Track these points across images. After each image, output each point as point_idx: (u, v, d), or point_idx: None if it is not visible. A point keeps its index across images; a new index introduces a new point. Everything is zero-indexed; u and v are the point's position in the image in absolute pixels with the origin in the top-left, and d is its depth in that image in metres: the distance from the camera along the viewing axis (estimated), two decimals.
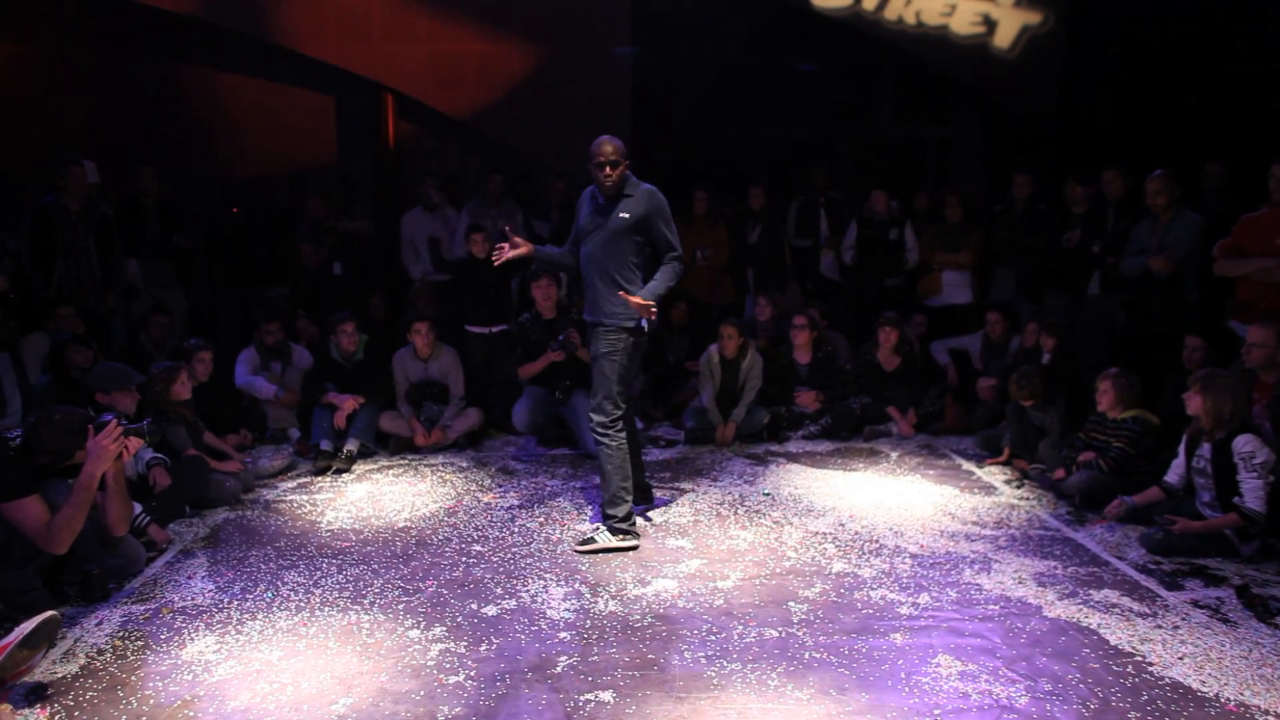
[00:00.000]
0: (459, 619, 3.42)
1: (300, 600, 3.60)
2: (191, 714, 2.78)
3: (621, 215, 4.04)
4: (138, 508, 4.16)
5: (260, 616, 3.45)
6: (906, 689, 2.90)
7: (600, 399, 4.15)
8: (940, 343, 6.92)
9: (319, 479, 5.30)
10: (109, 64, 8.20)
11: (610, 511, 4.13)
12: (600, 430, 4.16)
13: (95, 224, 5.89)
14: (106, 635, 3.29)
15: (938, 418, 6.39)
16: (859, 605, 3.52)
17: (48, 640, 2.95)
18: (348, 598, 3.62)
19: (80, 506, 3.28)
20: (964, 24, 8.34)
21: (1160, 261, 5.38)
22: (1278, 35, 6.79)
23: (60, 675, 3.01)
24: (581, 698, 2.86)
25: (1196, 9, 7.29)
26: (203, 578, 3.84)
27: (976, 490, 5.04)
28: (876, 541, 4.22)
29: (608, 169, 4.04)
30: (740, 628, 3.33)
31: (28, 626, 2.87)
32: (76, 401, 4.38)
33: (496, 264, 4.20)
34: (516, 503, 4.83)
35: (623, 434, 4.19)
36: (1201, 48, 7.28)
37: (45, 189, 5.88)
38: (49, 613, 2.94)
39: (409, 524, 4.51)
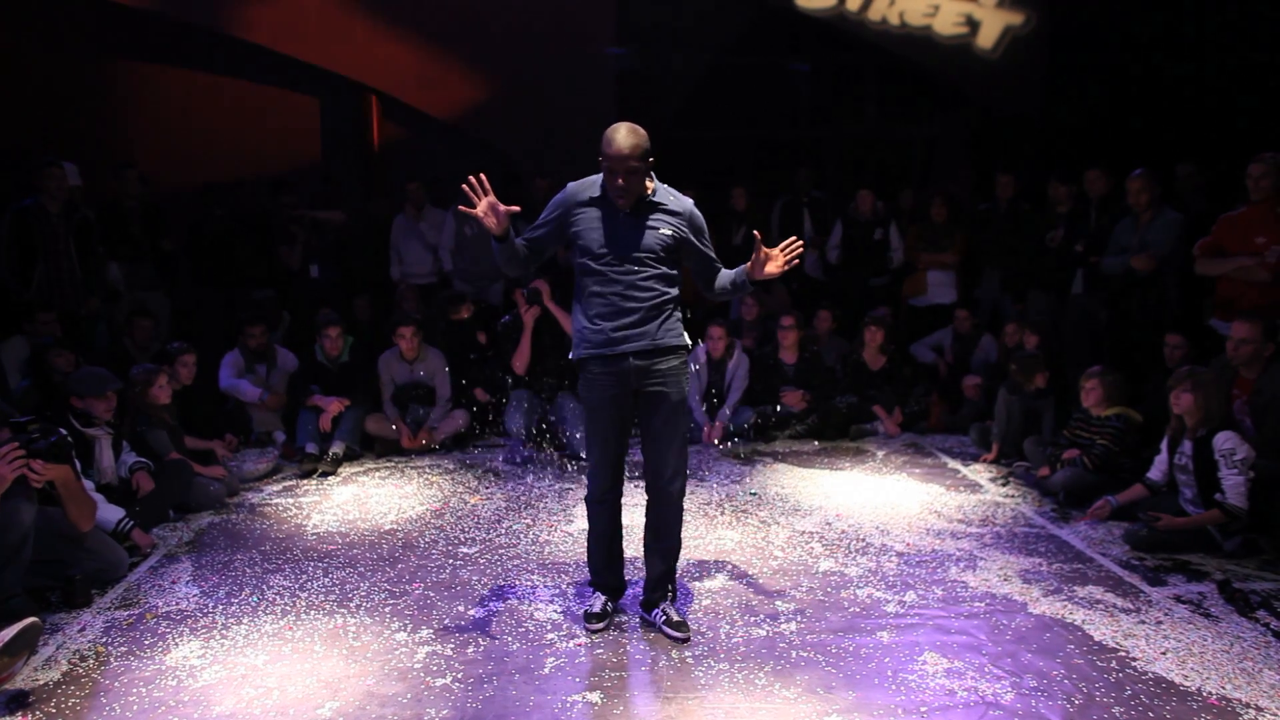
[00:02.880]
0: (446, 621, 3.41)
1: (286, 604, 3.58)
2: None
3: (662, 233, 3.14)
4: (121, 512, 4.13)
5: (245, 621, 3.43)
6: (893, 687, 2.91)
7: (685, 454, 3.27)
8: (919, 344, 6.97)
9: (304, 482, 5.28)
10: (91, 65, 8.13)
11: (674, 580, 3.42)
12: (683, 491, 3.29)
13: (75, 226, 5.84)
14: (89, 641, 3.26)
15: (923, 416, 6.42)
16: (846, 604, 3.53)
17: (29, 647, 2.91)
18: (334, 601, 3.60)
19: None
20: (947, 25, 8.38)
21: (1143, 260, 5.44)
22: (1257, 35, 6.85)
23: (42, 682, 2.97)
24: (569, 699, 2.86)
25: (1177, 9, 7.36)
26: (187, 582, 3.81)
27: (962, 488, 5.07)
28: (863, 540, 4.23)
29: (620, 179, 3.02)
30: (727, 627, 3.33)
31: (8, 633, 2.83)
32: (56, 406, 4.35)
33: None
34: (503, 505, 4.82)
35: None
36: (1181, 48, 7.35)
37: (26, 191, 5.82)
38: (30, 619, 2.91)
39: (395, 526, 4.49)
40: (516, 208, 3.11)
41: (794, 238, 3.26)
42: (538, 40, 8.47)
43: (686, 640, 3.20)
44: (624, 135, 3.00)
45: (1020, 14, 8.38)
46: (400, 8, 8.38)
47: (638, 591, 3.50)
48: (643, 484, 3.34)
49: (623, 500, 3.37)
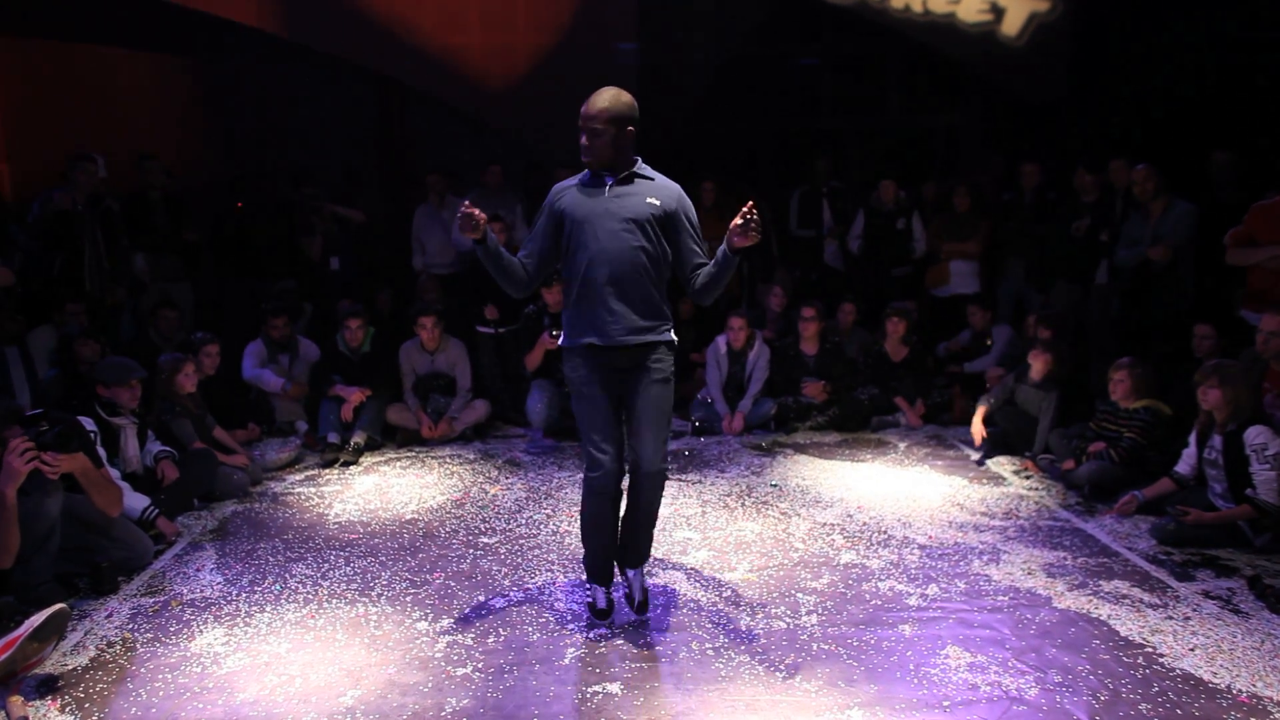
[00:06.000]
0: (467, 611, 3.42)
1: (308, 593, 3.61)
2: (200, 706, 2.79)
3: (649, 200, 3.11)
4: (146, 500, 4.18)
5: (268, 609, 3.46)
6: (915, 680, 2.89)
7: (664, 441, 3.21)
8: (941, 345, 6.92)
9: (326, 471, 5.31)
10: (117, 59, 8.20)
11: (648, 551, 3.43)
12: (666, 470, 3.23)
13: (101, 218, 5.90)
14: (116, 628, 3.30)
15: (946, 408, 6.36)
16: (867, 596, 3.51)
17: (57, 633, 2.96)
18: (355, 590, 3.63)
19: (2, 525, 3.19)
20: (971, 12, 8.27)
21: (1160, 251, 5.39)
22: None
23: (70, 667, 3.02)
24: (589, 689, 2.86)
25: None
26: (211, 570, 3.85)
27: (985, 481, 5.02)
28: (885, 532, 4.20)
29: (584, 138, 3.08)
30: (748, 619, 3.32)
31: (38, 619, 2.88)
32: (83, 394, 4.40)
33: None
34: (524, 495, 4.83)
35: None
36: (1210, 35, 7.21)
37: (55, 182, 5.88)
38: (58, 605, 2.96)
39: (416, 516, 4.51)
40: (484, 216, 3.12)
41: (749, 202, 3.05)
42: (559, 30, 8.45)
43: (646, 616, 3.30)
44: (597, 96, 3.07)
45: (1046, 0, 8.25)
46: None
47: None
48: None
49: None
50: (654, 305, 3.14)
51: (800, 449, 5.73)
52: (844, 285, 7.45)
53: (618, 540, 3.33)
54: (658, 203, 3.11)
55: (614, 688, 2.86)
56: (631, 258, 3.07)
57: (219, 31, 8.15)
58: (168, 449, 4.60)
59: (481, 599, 3.53)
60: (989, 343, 6.64)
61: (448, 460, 5.52)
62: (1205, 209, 5.61)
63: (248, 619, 3.37)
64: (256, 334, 6.06)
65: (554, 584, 3.67)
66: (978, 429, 5.50)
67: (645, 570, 3.56)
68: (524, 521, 4.42)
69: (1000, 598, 3.49)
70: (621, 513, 3.31)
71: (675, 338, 3.24)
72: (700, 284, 3.18)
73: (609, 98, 3.08)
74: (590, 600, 3.38)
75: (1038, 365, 5.38)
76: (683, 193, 3.20)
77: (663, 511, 4.20)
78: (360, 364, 5.85)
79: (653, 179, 3.17)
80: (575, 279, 3.14)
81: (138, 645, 3.18)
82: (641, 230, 3.09)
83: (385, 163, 8.77)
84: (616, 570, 3.40)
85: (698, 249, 3.20)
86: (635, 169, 3.15)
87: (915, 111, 9.37)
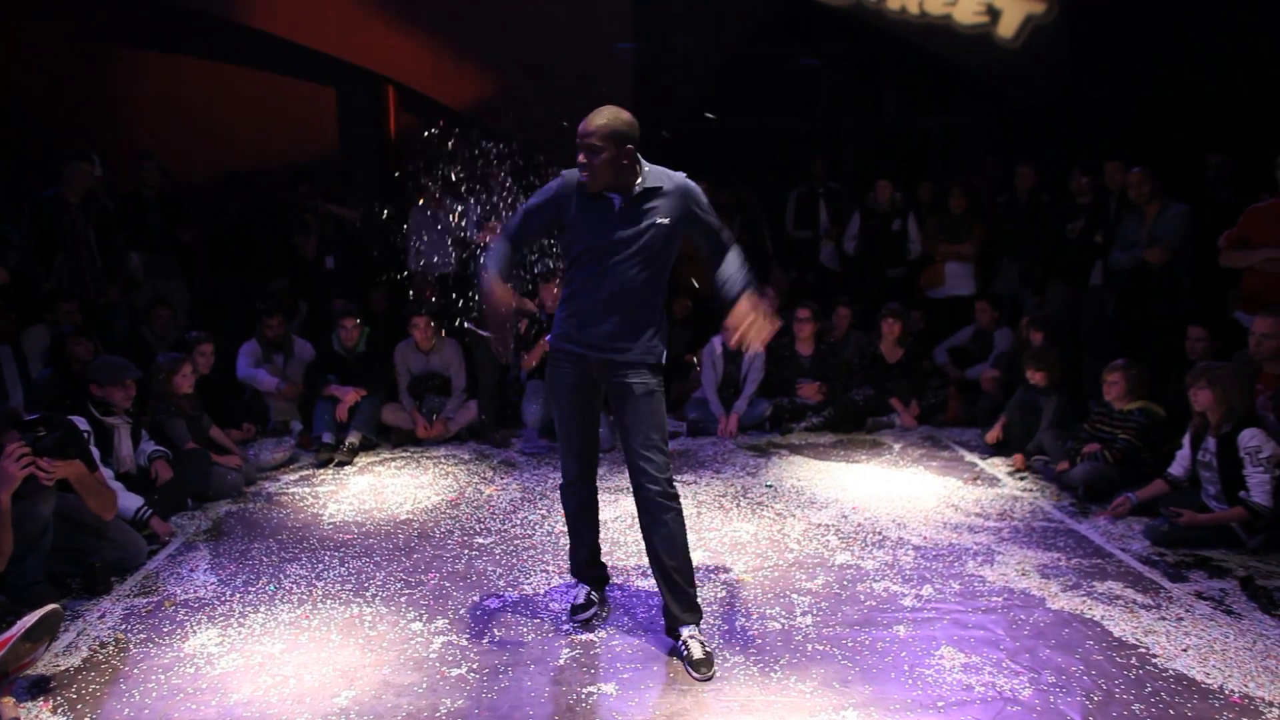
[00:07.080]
0: (461, 612, 3.42)
1: (302, 593, 3.60)
2: (194, 707, 2.78)
3: (660, 222, 2.97)
4: (139, 500, 4.16)
5: (262, 609, 3.45)
6: (909, 681, 2.89)
7: (661, 450, 3.02)
8: (940, 346, 6.92)
9: (321, 471, 5.30)
10: (111, 56, 8.17)
11: (695, 600, 3.11)
12: (671, 494, 3.02)
13: (95, 216, 5.88)
14: (109, 628, 3.29)
15: (940, 409, 6.38)
16: (862, 597, 3.51)
17: (50, 633, 2.95)
18: (350, 590, 3.62)
19: None
20: (967, 14, 8.29)
21: (1156, 253, 5.42)
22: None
23: (63, 668, 3.00)
24: (584, 690, 2.86)
25: None
26: (205, 570, 3.84)
27: (980, 482, 5.03)
28: (879, 533, 4.21)
29: (581, 155, 2.92)
30: (743, 619, 3.32)
31: (30, 620, 2.87)
32: (76, 394, 4.38)
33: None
34: (519, 495, 4.83)
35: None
36: (1204, 37, 7.24)
37: (50, 180, 5.86)
38: (51, 606, 2.95)
39: (411, 516, 4.50)
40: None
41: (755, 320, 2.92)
42: (554, 31, 8.45)
43: (708, 680, 2.88)
44: (594, 115, 2.92)
45: (1041, 3, 8.26)
46: None
47: (624, 583, 3.53)
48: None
49: (598, 485, 3.33)
50: (646, 324, 3.04)
51: (795, 450, 5.74)
52: (840, 286, 7.46)
53: (600, 555, 3.38)
54: (667, 221, 2.99)
55: (608, 688, 2.86)
56: (634, 286, 2.99)
57: (217, 30, 8.13)
58: (161, 449, 4.59)
59: (476, 600, 3.53)
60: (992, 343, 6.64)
61: (443, 460, 5.51)
62: (1199, 211, 5.64)
63: (241, 619, 3.36)
64: (251, 333, 6.05)
65: (549, 585, 3.66)
66: (994, 435, 5.53)
67: (641, 572, 3.56)
68: (519, 522, 4.41)
69: (994, 598, 3.49)
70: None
71: (664, 352, 3.10)
72: (718, 277, 3.09)
73: (607, 115, 2.92)
74: (572, 599, 3.37)
75: (1036, 379, 5.39)
76: (688, 187, 3.04)
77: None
78: (355, 364, 5.84)
79: (659, 188, 2.99)
80: (574, 296, 3.07)
81: (131, 646, 3.16)
82: (649, 258, 2.99)
83: (380, 163, 8.76)
84: (665, 629, 3.14)
85: (717, 226, 3.11)
86: (643, 182, 2.97)
87: (911, 113, 9.38)
